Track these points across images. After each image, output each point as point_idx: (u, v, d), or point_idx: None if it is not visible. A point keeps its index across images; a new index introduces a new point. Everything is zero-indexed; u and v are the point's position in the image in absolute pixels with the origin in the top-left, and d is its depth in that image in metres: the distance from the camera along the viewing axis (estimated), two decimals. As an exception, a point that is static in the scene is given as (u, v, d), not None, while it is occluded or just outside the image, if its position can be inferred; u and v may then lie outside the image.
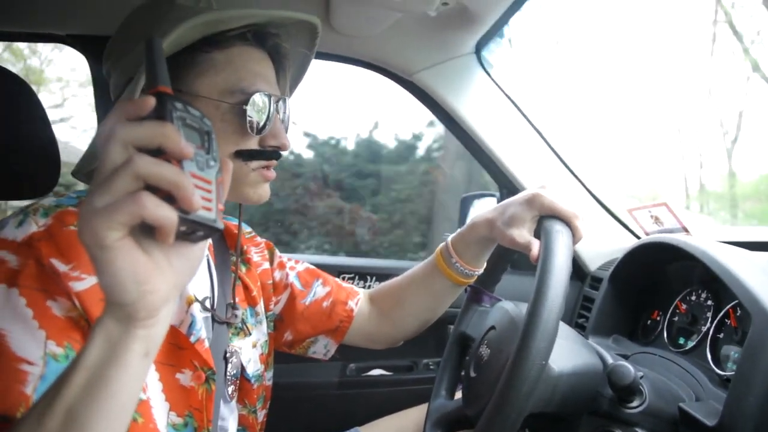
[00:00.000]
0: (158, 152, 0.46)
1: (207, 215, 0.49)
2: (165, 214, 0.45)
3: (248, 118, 0.81)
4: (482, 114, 1.55)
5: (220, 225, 0.50)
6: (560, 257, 0.76)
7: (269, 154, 0.86)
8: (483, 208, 1.62)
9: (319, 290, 1.14)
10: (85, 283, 0.68)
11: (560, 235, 0.81)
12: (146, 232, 0.48)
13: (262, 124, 0.83)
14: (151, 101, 0.47)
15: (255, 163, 0.85)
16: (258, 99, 0.82)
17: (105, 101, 1.39)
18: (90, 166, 0.80)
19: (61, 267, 0.67)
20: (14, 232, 0.68)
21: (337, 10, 1.29)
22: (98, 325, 0.50)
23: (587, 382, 0.81)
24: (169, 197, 0.46)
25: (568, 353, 0.81)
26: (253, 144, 0.85)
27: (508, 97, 1.57)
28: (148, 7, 0.84)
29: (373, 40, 1.44)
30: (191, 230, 0.49)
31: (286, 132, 0.90)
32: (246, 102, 0.81)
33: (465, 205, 1.67)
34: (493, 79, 1.56)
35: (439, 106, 1.57)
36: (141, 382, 0.54)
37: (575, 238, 0.85)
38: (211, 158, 0.51)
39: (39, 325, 0.64)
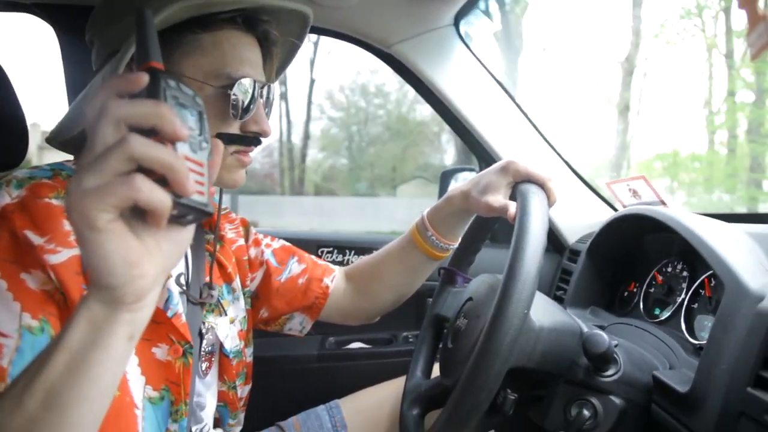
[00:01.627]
0: (151, 132, 0.44)
1: (200, 199, 0.47)
2: (159, 198, 0.44)
3: (232, 103, 0.80)
4: (461, 86, 1.54)
5: (212, 209, 0.49)
6: (536, 214, 0.77)
7: (249, 139, 0.86)
8: (462, 181, 1.62)
9: (294, 267, 1.13)
10: (60, 256, 0.67)
11: (535, 195, 0.83)
12: (137, 214, 0.46)
13: (244, 108, 0.82)
14: (144, 78, 0.45)
15: (233, 148, 0.84)
16: (243, 84, 0.81)
17: (74, 73, 1.35)
18: (66, 134, 0.78)
19: (35, 239, 0.66)
20: None
21: (313, -21, 1.26)
22: (82, 306, 0.49)
23: (566, 341, 0.82)
24: (161, 180, 0.44)
25: (547, 311, 0.82)
26: (234, 128, 0.83)
27: (487, 70, 1.56)
28: None
29: (351, 11, 1.41)
30: (183, 214, 0.47)
31: (268, 118, 0.89)
32: (231, 86, 0.80)
33: (445, 179, 1.66)
34: (472, 52, 1.55)
35: (417, 78, 1.55)
36: (124, 365, 0.53)
37: (549, 199, 0.87)
38: (203, 140, 0.50)
39: (13, 297, 0.63)
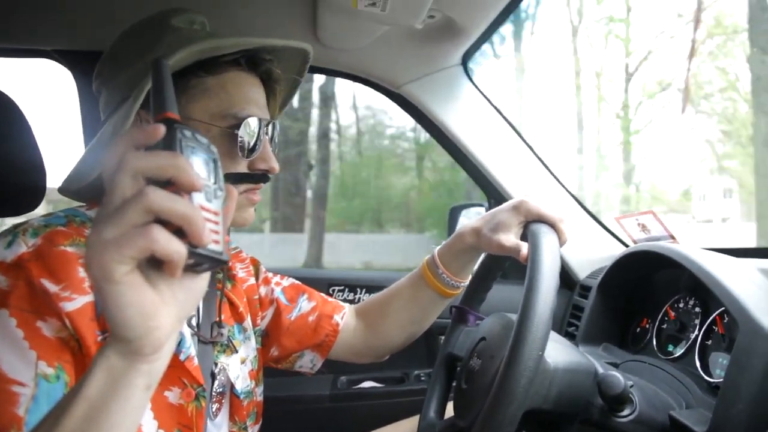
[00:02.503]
0: (168, 183, 0.45)
1: (215, 248, 0.47)
2: (175, 248, 0.44)
3: (239, 142, 0.82)
4: (469, 125, 1.56)
5: (227, 257, 0.49)
6: (548, 254, 0.78)
7: (258, 177, 0.87)
8: (471, 218, 1.63)
9: (304, 305, 1.14)
10: (75, 303, 0.68)
11: (547, 235, 0.84)
12: (153, 265, 0.47)
13: (251, 147, 0.84)
14: (161, 129, 0.46)
15: (242, 187, 0.86)
16: (249, 123, 0.82)
17: (91, 118, 1.38)
18: (78, 183, 0.80)
19: (51, 287, 0.67)
20: (3, 253, 0.68)
21: (323, 23, 1.29)
22: (101, 356, 0.49)
23: (581, 381, 0.81)
24: (178, 230, 0.45)
25: (561, 352, 0.82)
26: (242, 167, 0.85)
27: (495, 108, 1.58)
28: (143, 26, 0.85)
29: (360, 53, 1.44)
30: (198, 263, 0.48)
31: (275, 154, 0.91)
32: (237, 126, 0.82)
33: (453, 215, 1.67)
34: (479, 90, 1.58)
35: (426, 117, 1.58)
36: (141, 413, 0.53)
37: (561, 240, 0.88)
38: (218, 188, 0.50)
39: (30, 345, 0.64)
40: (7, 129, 1.01)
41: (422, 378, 1.58)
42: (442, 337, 1.12)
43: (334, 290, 1.59)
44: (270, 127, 0.88)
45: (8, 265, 0.67)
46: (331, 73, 1.58)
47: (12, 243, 0.69)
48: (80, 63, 1.38)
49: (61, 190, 0.84)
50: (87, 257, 0.45)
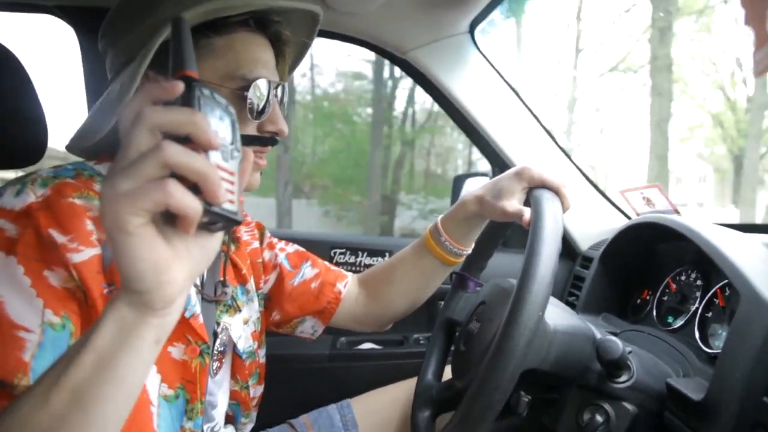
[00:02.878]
0: (185, 140, 0.45)
1: (230, 207, 0.47)
2: (190, 204, 0.44)
3: (248, 104, 0.81)
4: (476, 93, 1.55)
5: (241, 218, 0.49)
6: (551, 218, 0.78)
7: (266, 140, 0.86)
8: (475, 186, 1.62)
9: (307, 271, 1.14)
10: (82, 255, 0.68)
11: (549, 200, 0.84)
12: (167, 220, 0.47)
13: (261, 109, 0.83)
14: (179, 86, 0.46)
15: (251, 149, 0.84)
16: (259, 85, 0.81)
17: (94, 75, 1.37)
18: (86, 142, 0.79)
19: (59, 238, 0.67)
20: (12, 201, 0.68)
21: (331, -16, 1.27)
22: (111, 308, 0.49)
23: (580, 344, 0.82)
24: (193, 187, 0.45)
25: (561, 315, 0.83)
26: (251, 129, 0.84)
27: (502, 77, 1.57)
28: None
29: (368, 17, 1.42)
30: (213, 222, 0.48)
31: (284, 117, 0.90)
32: (247, 88, 0.80)
33: (457, 184, 1.67)
34: (487, 59, 1.55)
35: (432, 84, 1.56)
36: (149, 367, 0.53)
37: (564, 205, 0.88)
38: (234, 148, 0.50)
39: (37, 293, 0.64)
40: (8, 82, 1.00)
41: (421, 341, 1.59)
42: (442, 302, 1.13)
43: (335, 252, 1.59)
44: (279, 90, 0.86)
45: (17, 213, 0.67)
46: (337, 37, 1.56)
47: (21, 192, 0.68)
48: (82, 19, 1.35)
49: (69, 148, 0.83)
50: (101, 209, 0.45)
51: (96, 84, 1.36)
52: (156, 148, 0.43)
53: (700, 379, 0.83)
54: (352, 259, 1.60)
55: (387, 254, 1.61)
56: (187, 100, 0.46)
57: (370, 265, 1.56)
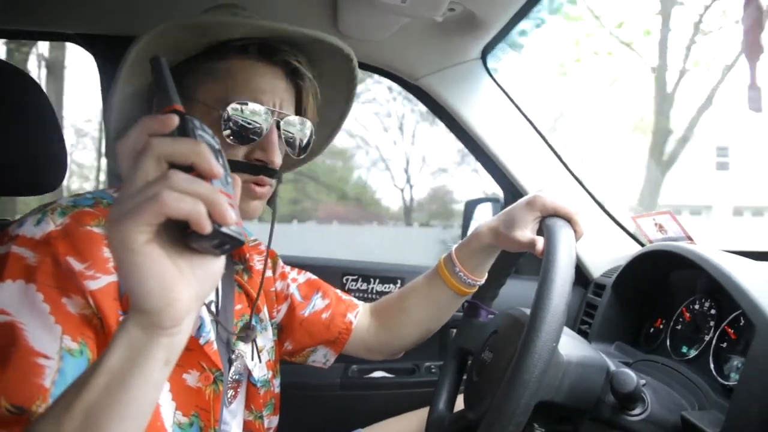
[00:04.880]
0: (188, 169, 0.47)
1: (236, 229, 0.50)
2: (188, 206, 0.45)
3: (223, 125, 0.81)
4: (487, 119, 1.56)
5: (243, 238, 0.51)
6: (564, 247, 0.78)
7: (253, 168, 0.85)
8: (486, 212, 1.63)
9: (318, 302, 1.15)
10: (99, 282, 0.70)
11: (563, 229, 0.84)
12: (173, 240, 0.49)
13: (245, 135, 0.82)
14: (175, 119, 0.48)
15: (243, 177, 0.83)
16: (239, 109, 0.81)
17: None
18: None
19: (76, 265, 0.69)
20: (32, 230, 0.70)
21: (344, 15, 1.29)
22: (122, 330, 0.51)
23: (593, 375, 0.81)
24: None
25: (575, 346, 0.82)
26: (239, 155, 0.84)
27: (514, 103, 1.58)
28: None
29: (380, 44, 1.44)
30: (222, 242, 0.50)
31: (295, 151, 0.90)
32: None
33: (468, 209, 1.67)
34: (498, 85, 1.57)
35: (444, 110, 1.58)
36: (160, 388, 0.54)
37: (576, 233, 0.89)
38: (227, 175, 0.53)
39: (55, 320, 0.65)
40: (30, 109, 1.03)
41: (433, 370, 1.58)
42: (454, 330, 1.13)
43: (347, 279, 1.59)
44: (284, 121, 0.86)
45: (37, 241, 0.68)
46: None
47: (41, 221, 0.70)
48: (102, 47, 1.39)
49: (108, 173, 0.85)
50: (107, 230, 0.47)
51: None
52: (163, 177, 0.46)
53: (716, 412, 0.82)
54: (364, 286, 1.60)
55: (399, 281, 1.60)
56: (183, 132, 0.49)
57: (382, 292, 1.56)
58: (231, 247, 0.52)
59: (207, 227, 0.47)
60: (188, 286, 0.50)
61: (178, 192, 0.45)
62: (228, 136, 0.81)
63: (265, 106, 0.83)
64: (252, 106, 0.82)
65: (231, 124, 0.81)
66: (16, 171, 1.01)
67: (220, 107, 0.81)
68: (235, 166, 0.82)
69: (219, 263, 0.54)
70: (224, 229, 0.48)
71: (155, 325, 0.49)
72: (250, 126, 0.82)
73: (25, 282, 0.66)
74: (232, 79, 0.83)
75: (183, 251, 0.50)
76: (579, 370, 0.80)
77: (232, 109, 0.81)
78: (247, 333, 0.94)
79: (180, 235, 0.49)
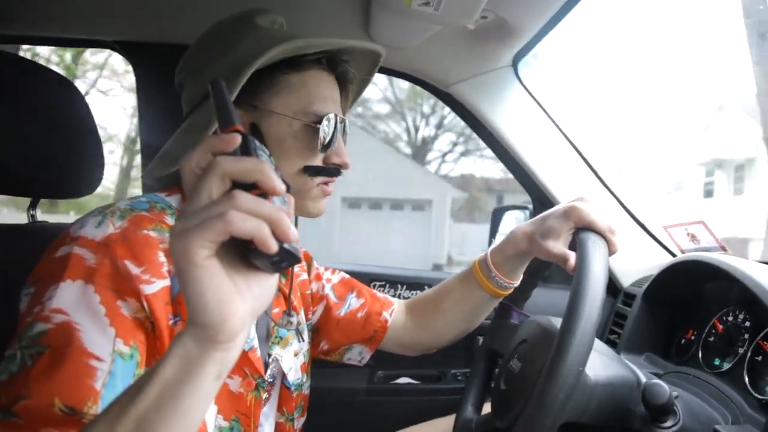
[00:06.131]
0: (249, 186, 0.49)
1: (296, 246, 0.51)
2: (252, 226, 0.46)
3: (320, 138, 0.87)
4: (518, 127, 1.55)
5: (301, 255, 0.52)
6: (597, 266, 0.77)
7: (332, 171, 0.92)
8: (514, 220, 1.62)
9: (353, 302, 1.16)
10: (154, 286, 0.71)
11: (596, 246, 0.82)
12: (231, 257, 0.50)
13: (328, 142, 0.88)
14: (238, 138, 0.50)
15: (319, 179, 0.90)
16: (329, 119, 0.87)
17: (149, 106, 1.43)
18: (166, 169, 0.83)
19: (133, 269, 0.70)
20: (94, 232, 0.71)
21: (376, 22, 1.30)
22: (178, 341, 0.52)
23: (622, 394, 0.80)
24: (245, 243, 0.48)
25: (603, 365, 0.81)
26: (317, 161, 0.90)
27: (545, 111, 1.57)
28: (228, 24, 0.90)
29: (411, 51, 1.45)
30: (282, 259, 0.50)
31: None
32: (318, 122, 0.86)
33: (496, 216, 1.67)
34: (530, 93, 1.56)
35: (474, 117, 1.58)
36: (210, 401, 0.55)
37: (610, 251, 0.87)
38: (285, 192, 0.53)
39: (110, 322, 0.67)
40: (69, 114, 1.06)
41: (459, 377, 1.58)
42: (480, 338, 1.13)
43: (375, 285, 1.60)
44: (342, 125, 0.91)
45: (97, 243, 0.70)
46: (383, 71, 1.59)
47: (101, 223, 0.72)
48: (140, 54, 1.42)
49: (145, 177, 0.88)
50: (171, 243, 0.48)
51: (150, 115, 1.42)
52: (229, 197, 0.47)
53: (751, 426, 0.81)
54: (392, 292, 1.60)
55: (426, 287, 1.60)
56: (246, 151, 0.50)
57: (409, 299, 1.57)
58: (288, 264, 0.52)
59: (273, 246, 0.47)
60: (244, 302, 0.51)
61: (243, 212, 0.46)
62: (311, 145, 0.87)
63: (334, 113, 0.88)
64: (330, 116, 0.87)
65: (321, 134, 0.87)
66: (55, 175, 1.04)
67: (300, 117, 0.86)
68: (316, 171, 0.90)
69: (273, 280, 0.55)
70: (287, 246, 0.49)
71: (210, 339, 0.50)
72: (330, 135, 0.88)
73: (84, 283, 0.67)
74: (306, 90, 0.88)
75: (240, 268, 0.51)
76: (607, 390, 0.78)
77: (315, 120, 0.87)
78: (288, 320, 0.96)
79: (240, 252, 0.50)
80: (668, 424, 0.79)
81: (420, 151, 19.09)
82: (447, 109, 1.62)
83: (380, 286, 1.59)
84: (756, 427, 0.78)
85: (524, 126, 1.56)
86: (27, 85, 1.01)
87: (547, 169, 1.56)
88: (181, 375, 0.51)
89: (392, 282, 1.61)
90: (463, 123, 1.64)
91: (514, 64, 1.54)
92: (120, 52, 1.44)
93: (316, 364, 1.21)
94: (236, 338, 0.52)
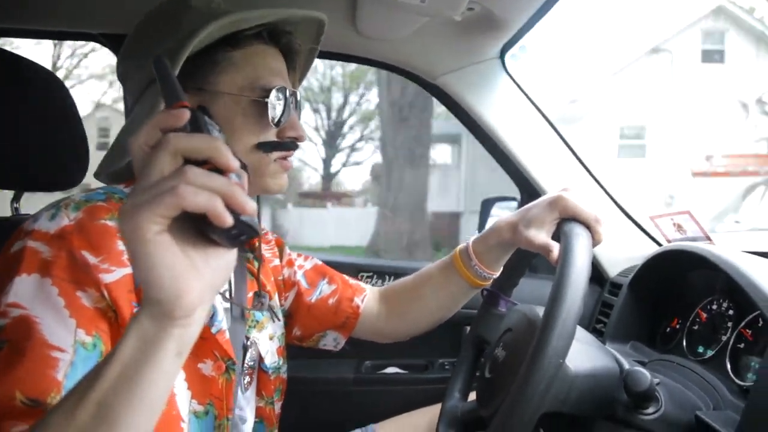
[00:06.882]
0: (201, 163, 0.48)
1: (255, 218, 0.50)
2: (204, 200, 0.46)
3: (270, 112, 0.85)
4: (505, 118, 1.56)
5: (259, 228, 0.52)
6: (580, 258, 0.76)
7: (288, 145, 0.90)
8: (503, 211, 1.63)
9: (325, 288, 1.17)
10: (113, 275, 0.71)
11: (580, 237, 0.81)
12: (185, 232, 0.49)
13: (279, 116, 0.87)
14: (187, 113, 0.49)
15: (275, 154, 0.89)
16: (278, 93, 0.86)
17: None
18: (114, 165, 0.83)
19: (91, 259, 0.70)
20: (47, 225, 0.71)
21: (362, 13, 1.30)
22: (134, 321, 0.51)
23: (603, 385, 0.81)
24: (200, 217, 0.47)
25: (585, 355, 0.81)
26: (271, 136, 0.88)
27: (532, 102, 1.57)
28: (162, 10, 0.88)
29: (398, 43, 1.45)
30: (241, 232, 0.50)
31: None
32: (266, 96, 0.85)
33: (485, 207, 1.67)
34: (517, 84, 1.57)
35: (462, 109, 1.58)
36: (172, 380, 0.55)
37: (595, 241, 0.86)
38: (239, 167, 0.53)
39: (70, 314, 0.66)
40: (54, 107, 1.05)
41: (446, 366, 1.59)
42: (468, 327, 1.13)
43: (362, 276, 1.60)
44: (293, 97, 0.90)
45: (51, 236, 0.70)
46: (368, 62, 1.59)
47: (55, 216, 0.72)
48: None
49: (96, 175, 0.87)
50: (121, 222, 0.48)
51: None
52: (179, 172, 0.46)
53: (731, 412, 0.82)
54: (379, 283, 1.60)
55: None
56: (196, 127, 0.50)
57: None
58: (247, 238, 0.52)
59: (228, 219, 0.47)
60: (200, 277, 0.50)
61: (195, 186, 0.46)
62: (263, 121, 0.86)
63: (282, 87, 0.87)
64: (279, 89, 0.86)
65: (270, 108, 0.85)
66: (39, 167, 1.04)
67: (247, 93, 0.85)
68: (272, 147, 0.88)
69: (231, 255, 0.54)
70: (244, 218, 0.49)
71: (166, 315, 0.50)
72: (284, 107, 0.87)
73: (40, 276, 0.67)
74: (251, 66, 0.86)
75: (196, 243, 0.50)
76: (588, 381, 0.79)
77: (263, 95, 0.85)
78: (260, 301, 0.95)
79: (198, 228, 0.50)
80: (650, 410, 0.80)
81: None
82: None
83: (368, 276, 1.60)
84: (735, 412, 0.79)
85: (512, 117, 1.56)
86: (9, 77, 1.00)
87: (535, 160, 1.57)
88: (139, 354, 0.51)
89: (380, 273, 1.62)
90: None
91: (502, 55, 1.54)
92: (106, 45, 1.43)
93: (305, 355, 1.21)
94: (194, 314, 0.51)
